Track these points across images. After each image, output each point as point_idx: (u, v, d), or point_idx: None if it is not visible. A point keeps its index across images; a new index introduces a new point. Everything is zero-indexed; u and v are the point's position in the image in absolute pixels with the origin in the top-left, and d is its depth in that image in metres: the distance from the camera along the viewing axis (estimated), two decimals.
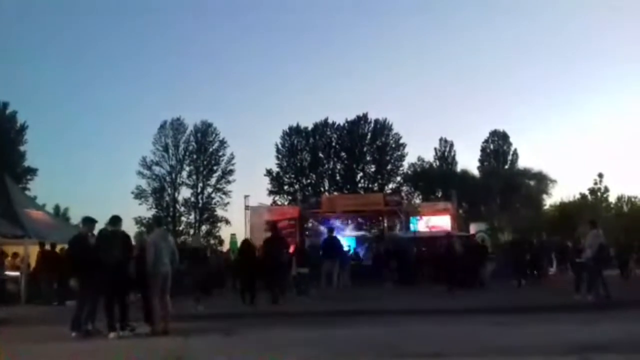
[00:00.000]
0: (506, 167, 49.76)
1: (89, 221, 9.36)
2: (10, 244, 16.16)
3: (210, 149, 50.64)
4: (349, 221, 28.36)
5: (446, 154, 52.06)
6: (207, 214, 50.64)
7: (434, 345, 6.49)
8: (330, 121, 51.56)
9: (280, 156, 51.08)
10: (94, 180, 66.50)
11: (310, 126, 51.35)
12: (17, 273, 15.57)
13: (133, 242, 9.39)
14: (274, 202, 47.73)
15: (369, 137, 51.47)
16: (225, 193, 50.27)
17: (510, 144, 51.19)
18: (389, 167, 51.01)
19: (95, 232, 9.46)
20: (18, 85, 63.06)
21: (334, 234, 17.46)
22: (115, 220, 9.17)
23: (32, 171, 47.78)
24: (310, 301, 13.52)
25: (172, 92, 67.25)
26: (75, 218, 42.15)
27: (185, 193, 50.42)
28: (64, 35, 66.24)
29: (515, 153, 50.62)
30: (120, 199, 60.16)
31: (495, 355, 5.80)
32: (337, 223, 25.98)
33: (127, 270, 8.60)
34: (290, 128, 51.33)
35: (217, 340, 7.60)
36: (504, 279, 18.13)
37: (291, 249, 16.41)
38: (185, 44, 68.44)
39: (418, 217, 26.67)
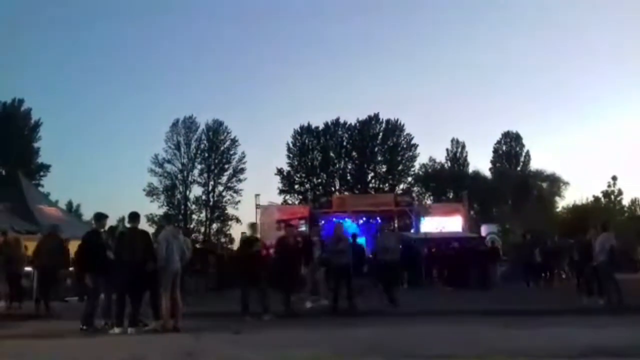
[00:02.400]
0: (518, 168, 49.49)
1: (101, 217, 9.43)
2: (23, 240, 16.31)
3: (222, 148, 50.90)
4: (359, 221, 28.27)
5: (458, 154, 51.88)
6: (218, 212, 50.89)
7: (442, 347, 6.47)
8: (341, 121, 51.71)
9: (291, 155, 51.25)
10: (107, 177, 67.41)
11: (321, 126, 51.56)
12: (29, 269, 15.69)
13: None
14: (285, 201, 47.88)
15: (380, 137, 51.44)
16: (236, 191, 50.60)
17: (522, 146, 50.97)
18: (400, 167, 50.97)
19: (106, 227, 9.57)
20: (32, 82, 63.89)
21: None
22: (134, 217, 9.21)
23: (45, 167, 48.39)
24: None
25: (184, 91, 67.68)
26: (88, 214, 42.62)
27: (196, 191, 50.73)
28: (79, 34, 66.85)
29: (527, 155, 50.43)
30: (132, 196, 60.70)
31: (504, 358, 5.77)
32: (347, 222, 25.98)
33: (146, 267, 8.62)
34: (302, 127, 51.48)
35: (226, 338, 7.63)
36: (514, 281, 18.04)
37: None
38: (197, 44, 68.78)
39: (429, 218, 26.58)
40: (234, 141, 50.88)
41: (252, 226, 11.56)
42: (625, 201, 42.33)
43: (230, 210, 50.67)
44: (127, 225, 9.36)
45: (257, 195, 28.51)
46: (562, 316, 9.81)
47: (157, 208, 48.37)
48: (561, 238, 23.30)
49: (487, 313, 10.31)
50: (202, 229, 50.10)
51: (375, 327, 8.62)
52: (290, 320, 9.83)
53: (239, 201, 49.90)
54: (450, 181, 45.73)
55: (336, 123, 51.61)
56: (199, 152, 50.57)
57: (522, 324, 8.43)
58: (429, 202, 41.06)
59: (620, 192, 41.36)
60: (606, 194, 41.27)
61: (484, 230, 25.55)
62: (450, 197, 43.11)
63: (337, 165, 51.64)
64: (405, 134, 51.12)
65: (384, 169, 51.37)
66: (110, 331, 8.51)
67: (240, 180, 50.57)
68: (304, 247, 12.08)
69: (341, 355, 6.06)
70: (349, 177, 51.38)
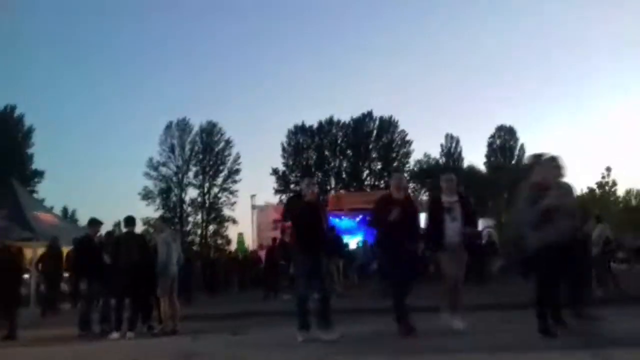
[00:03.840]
0: (513, 162, 49.62)
1: (95, 223, 9.44)
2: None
3: (216, 149, 50.81)
4: (357, 219, 28.24)
5: (452, 150, 52.01)
6: (214, 213, 50.79)
7: (444, 342, 6.47)
8: (335, 119, 51.71)
9: (286, 155, 51.27)
10: (101, 182, 67.16)
11: (315, 124, 51.56)
12: (26, 275, 15.63)
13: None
14: (281, 201, 47.78)
15: (374, 134, 51.52)
16: (231, 193, 50.53)
17: (517, 139, 51.16)
18: (395, 164, 50.99)
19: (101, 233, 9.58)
20: (24, 88, 63.66)
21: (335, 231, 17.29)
22: (130, 221, 9.20)
23: (39, 174, 48.16)
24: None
25: (177, 92, 67.50)
26: (83, 220, 42.49)
27: (192, 193, 50.67)
28: (69, 38, 66.57)
29: (522, 148, 50.54)
30: (127, 200, 60.52)
31: (506, 352, 5.77)
32: (344, 221, 25.97)
33: (143, 271, 8.63)
34: (296, 127, 51.51)
35: (225, 340, 7.62)
36: (512, 275, 18.06)
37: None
38: (189, 45, 68.62)
39: (425, 214, 26.57)
40: (228, 142, 50.87)
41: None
42: (620, 192, 42.51)
43: (226, 212, 50.67)
44: (123, 229, 9.36)
45: (252, 196, 28.49)
46: (562, 309, 9.79)
47: (153, 211, 48.25)
48: None
49: (485, 307, 10.31)
50: (199, 231, 50.05)
51: (377, 323, 8.60)
52: (291, 319, 9.80)
53: (235, 202, 49.93)
54: None
55: (330, 121, 51.65)
56: (193, 154, 50.50)
57: (522, 317, 8.44)
58: (424, 198, 41.07)
59: (614, 183, 41.48)
60: (601, 185, 41.38)
61: (480, 224, 25.58)
62: None
63: (332, 164, 51.68)
64: (399, 130, 51.27)
65: (379, 166, 51.44)
66: (108, 336, 8.51)
67: (235, 181, 50.63)
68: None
69: (344, 353, 6.06)
70: (344, 175, 51.43)
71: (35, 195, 37.92)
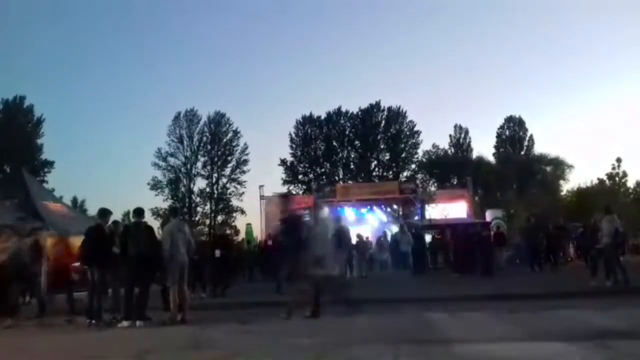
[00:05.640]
0: (522, 153, 49.32)
1: (105, 213, 9.49)
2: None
3: (224, 140, 50.86)
4: (365, 210, 28.26)
5: (461, 140, 51.76)
6: (222, 204, 50.92)
7: (447, 332, 6.47)
8: (343, 110, 51.60)
9: (294, 146, 51.27)
10: (111, 172, 67.51)
11: (323, 115, 51.47)
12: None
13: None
14: (289, 191, 47.85)
15: (382, 125, 51.35)
16: (240, 183, 50.61)
17: (526, 130, 50.81)
18: (403, 155, 50.88)
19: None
20: (34, 78, 63.90)
21: (343, 223, 17.28)
22: (139, 212, 9.27)
23: (49, 164, 48.47)
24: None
25: (185, 83, 67.57)
26: (93, 209, 42.78)
27: (200, 184, 50.83)
28: (79, 29, 66.68)
29: (531, 139, 50.27)
30: (136, 190, 61.03)
31: (511, 342, 5.77)
32: (353, 212, 26.02)
33: (151, 261, 8.68)
34: (304, 117, 51.44)
35: (233, 329, 7.66)
36: (520, 266, 18.08)
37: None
38: (198, 35, 68.55)
39: (433, 205, 26.55)
40: (236, 132, 50.91)
41: None
42: (630, 183, 42.11)
43: (234, 202, 50.80)
44: (132, 220, 9.42)
45: (261, 187, 28.58)
46: (569, 299, 9.79)
47: (161, 201, 48.52)
48: (567, 221, 23.32)
49: (493, 298, 10.31)
50: (207, 222, 50.26)
51: (384, 314, 8.62)
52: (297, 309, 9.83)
53: (243, 192, 50.03)
54: (454, 167, 45.62)
55: (338, 112, 51.53)
56: (201, 144, 50.62)
57: (528, 308, 8.43)
58: (433, 189, 40.96)
59: (625, 174, 41.06)
60: (611, 177, 40.98)
61: (488, 215, 25.55)
62: (455, 183, 43.05)
63: (340, 155, 51.63)
64: (407, 121, 51.09)
65: (387, 157, 51.33)
66: (118, 325, 8.57)
67: (243, 172, 50.70)
68: None
69: (347, 343, 6.07)
70: (352, 166, 51.37)
71: (45, 185, 38.13)
